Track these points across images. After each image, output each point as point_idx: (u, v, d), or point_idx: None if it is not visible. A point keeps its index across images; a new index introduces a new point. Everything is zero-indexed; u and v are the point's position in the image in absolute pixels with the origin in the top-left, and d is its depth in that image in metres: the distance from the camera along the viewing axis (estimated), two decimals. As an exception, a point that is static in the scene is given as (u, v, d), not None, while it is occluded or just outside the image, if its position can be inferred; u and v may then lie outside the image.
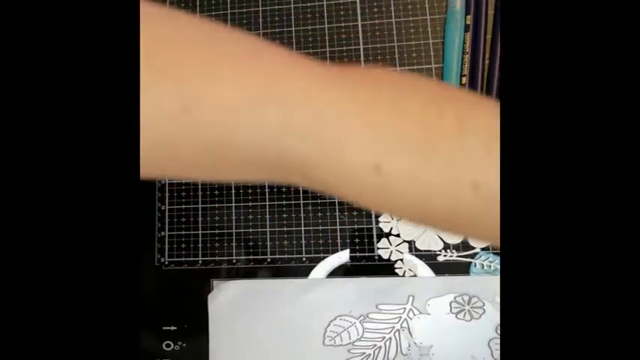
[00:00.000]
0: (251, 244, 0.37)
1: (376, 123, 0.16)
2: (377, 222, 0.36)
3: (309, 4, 0.39)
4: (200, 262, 0.37)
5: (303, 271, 0.36)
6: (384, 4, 0.39)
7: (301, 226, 0.37)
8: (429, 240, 0.35)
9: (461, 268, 0.34)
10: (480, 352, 0.33)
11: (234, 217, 0.37)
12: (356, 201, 0.17)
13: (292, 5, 0.40)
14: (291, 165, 0.17)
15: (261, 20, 0.40)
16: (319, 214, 0.36)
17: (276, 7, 0.40)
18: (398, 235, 0.35)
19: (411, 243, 0.35)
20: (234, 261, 0.37)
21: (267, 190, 0.37)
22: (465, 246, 0.34)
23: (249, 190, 0.37)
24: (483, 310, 0.33)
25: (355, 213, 0.36)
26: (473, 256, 0.34)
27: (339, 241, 0.36)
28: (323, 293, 0.35)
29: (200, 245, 0.38)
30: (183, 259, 0.38)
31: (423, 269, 0.35)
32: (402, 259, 0.35)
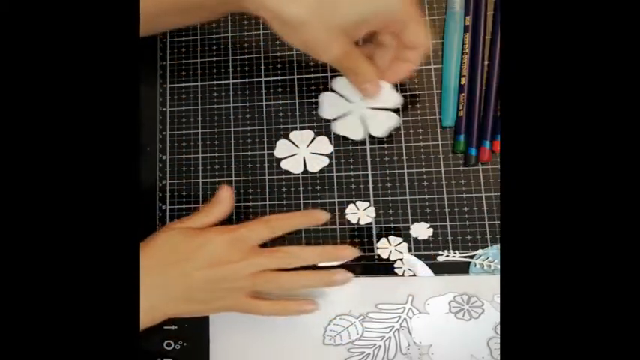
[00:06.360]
0: (251, 243, 0.37)
1: None
2: (377, 222, 0.36)
3: (309, 5, 0.39)
4: (200, 261, 0.37)
5: (303, 271, 0.36)
6: (383, 4, 0.39)
7: (301, 226, 0.37)
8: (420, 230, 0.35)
9: (460, 268, 0.34)
10: (479, 352, 0.33)
11: (234, 217, 0.37)
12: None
13: (292, 5, 0.40)
14: None
15: (261, 20, 0.40)
16: (319, 214, 0.36)
17: (276, 7, 0.40)
18: (398, 235, 0.35)
19: (410, 243, 0.35)
20: (234, 261, 0.37)
21: (267, 190, 0.37)
22: (464, 246, 0.35)
23: (250, 190, 0.38)
24: (482, 309, 0.33)
25: (355, 213, 0.36)
26: (472, 255, 0.34)
27: (339, 241, 0.36)
28: (323, 293, 0.35)
29: (200, 245, 0.38)
30: (183, 258, 0.38)
31: (423, 269, 0.35)
32: (401, 259, 0.35)
